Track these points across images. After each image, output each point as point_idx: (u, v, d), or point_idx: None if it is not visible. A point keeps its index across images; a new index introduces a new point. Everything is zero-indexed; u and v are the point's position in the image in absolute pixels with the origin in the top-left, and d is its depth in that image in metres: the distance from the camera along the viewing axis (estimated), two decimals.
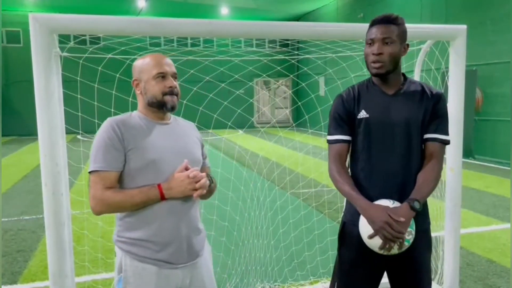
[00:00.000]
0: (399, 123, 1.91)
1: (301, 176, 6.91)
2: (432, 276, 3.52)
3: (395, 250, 1.77)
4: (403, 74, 2.02)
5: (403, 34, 1.91)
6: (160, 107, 1.87)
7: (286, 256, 4.15)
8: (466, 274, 3.91)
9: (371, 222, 1.78)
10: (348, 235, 2.02)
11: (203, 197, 1.90)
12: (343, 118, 1.98)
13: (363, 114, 1.94)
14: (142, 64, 1.88)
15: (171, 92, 1.86)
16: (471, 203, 6.43)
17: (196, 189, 1.79)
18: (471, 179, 8.04)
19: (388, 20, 1.88)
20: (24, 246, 4.77)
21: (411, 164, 1.92)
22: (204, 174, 1.86)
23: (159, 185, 1.77)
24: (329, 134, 2.01)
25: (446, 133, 1.94)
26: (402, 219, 1.73)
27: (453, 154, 2.86)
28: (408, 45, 1.96)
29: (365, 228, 1.82)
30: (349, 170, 2.06)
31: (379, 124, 1.92)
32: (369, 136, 1.95)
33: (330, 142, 2.01)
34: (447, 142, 1.95)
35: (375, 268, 2.00)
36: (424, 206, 1.98)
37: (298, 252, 4.22)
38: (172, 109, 1.88)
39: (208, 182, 1.87)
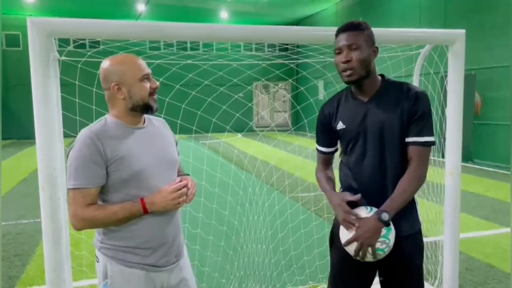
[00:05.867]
0: (372, 130, 1.91)
1: (300, 180, 6.90)
2: (431, 281, 3.51)
3: (369, 258, 1.82)
4: (382, 76, 2.00)
5: (369, 38, 1.89)
6: (144, 110, 1.83)
7: (285, 260, 4.14)
8: (466, 279, 3.89)
9: (331, 206, 1.96)
10: (336, 236, 2.04)
11: None
12: (323, 130, 2.12)
13: (340, 125, 2.00)
14: (123, 66, 1.78)
15: (155, 92, 1.84)
16: (470, 207, 6.42)
17: (179, 203, 1.81)
18: (470, 183, 8.04)
19: (351, 27, 1.88)
20: (22, 250, 4.75)
21: (388, 169, 1.91)
22: (194, 184, 1.91)
23: (142, 200, 1.75)
24: (316, 141, 2.19)
25: (428, 134, 1.87)
26: (355, 218, 1.85)
27: (452, 158, 2.85)
28: (377, 48, 1.93)
29: (341, 236, 1.89)
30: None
31: (353, 133, 1.96)
32: (347, 145, 2.01)
33: (316, 149, 2.19)
34: (430, 144, 1.88)
35: (365, 270, 2.01)
36: (412, 210, 1.98)
37: (297, 256, 4.20)
38: (156, 111, 1.87)
39: (196, 189, 1.92)
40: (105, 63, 1.81)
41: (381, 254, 1.82)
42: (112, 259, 1.79)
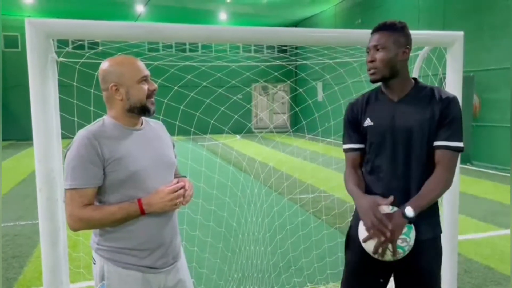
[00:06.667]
0: (400, 130, 1.90)
1: (298, 181, 6.90)
2: None
3: (389, 257, 1.77)
4: (415, 79, 1.99)
5: (399, 39, 1.89)
6: (142, 112, 1.82)
7: (283, 262, 4.13)
8: (464, 281, 3.89)
9: (359, 211, 1.86)
10: (352, 238, 2.02)
11: None
12: (352, 126, 2.05)
13: (368, 122, 1.97)
14: (121, 67, 1.79)
15: (153, 95, 1.84)
16: (469, 209, 6.42)
17: (176, 204, 1.80)
18: (468, 185, 8.04)
19: (383, 27, 1.91)
20: (20, 252, 4.74)
21: (412, 172, 1.89)
22: (191, 186, 1.90)
23: (139, 201, 1.74)
24: (343, 142, 2.10)
25: (457, 140, 1.85)
26: (390, 225, 1.75)
27: None
28: (408, 48, 1.92)
29: (360, 233, 1.84)
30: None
31: (381, 131, 1.93)
32: (374, 144, 1.97)
33: (344, 150, 2.09)
34: (459, 149, 1.86)
35: (380, 273, 1.98)
36: (435, 214, 1.96)
37: (295, 258, 4.20)
38: (153, 113, 1.86)
39: (193, 190, 1.91)
40: (105, 64, 1.81)
41: (400, 253, 1.77)
42: (109, 261, 1.78)
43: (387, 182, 1.92)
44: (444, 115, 1.85)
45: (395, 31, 1.89)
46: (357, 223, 1.93)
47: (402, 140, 1.90)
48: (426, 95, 1.91)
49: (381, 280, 2.01)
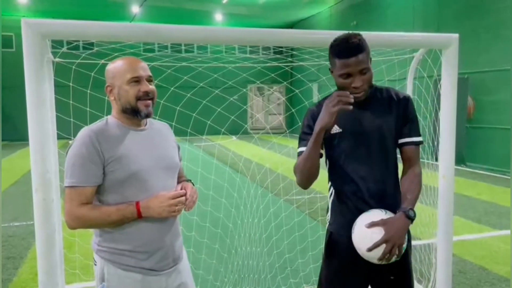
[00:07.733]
0: (372, 133, 1.91)
1: (294, 182, 6.90)
2: (425, 284, 3.53)
3: (393, 259, 1.77)
4: None
5: (369, 54, 1.86)
6: (134, 114, 1.80)
7: (279, 263, 4.14)
8: (459, 282, 3.91)
9: (322, 118, 1.77)
10: (335, 245, 2.01)
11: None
12: (310, 133, 1.93)
13: (336, 129, 1.92)
14: (115, 68, 1.80)
15: (146, 96, 1.79)
16: (463, 210, 6.46)
17: (175, 211, 1.77)
18: (463, 186, 8.08)
19: (356, 50, 1.78)
20: (14, 253, 4.71)
21: (389, 171, 1.95)
22: (194, 191, 1.89)
23: (137, 203, 1.73)
24: (298, 146, 2.00)
25: (419, 135, 1.97)
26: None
27: (445, 161, 2.87)
28: (370, 59, 1.88)
29: (363, 242, 1.78)
30: (329, 184, 2.07)
31: (353, 136, 1.92)
32: (346, 149, 1.95)
33: (298, 154, 1.99)
34: (421, 143, 1.98)
35: (362, 277, 1.99)
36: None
37: (291, 259, 4.20)
38: (147, 116, 1.82)
39: (197, 196, 1.92)
40: (108, 65, 1.84)
41: (402, 253, 1.79)
42: (109, 262, 1.78)
43: (366, 185, 1.92)
44: (405, 114, 1.95)
45: (366, 49, 1.83)
46: (340, 230, 1.94)
47: (376, 142, 1.92)
48: (384, 96, 1.97)
49: (363, 285, 2.02)
